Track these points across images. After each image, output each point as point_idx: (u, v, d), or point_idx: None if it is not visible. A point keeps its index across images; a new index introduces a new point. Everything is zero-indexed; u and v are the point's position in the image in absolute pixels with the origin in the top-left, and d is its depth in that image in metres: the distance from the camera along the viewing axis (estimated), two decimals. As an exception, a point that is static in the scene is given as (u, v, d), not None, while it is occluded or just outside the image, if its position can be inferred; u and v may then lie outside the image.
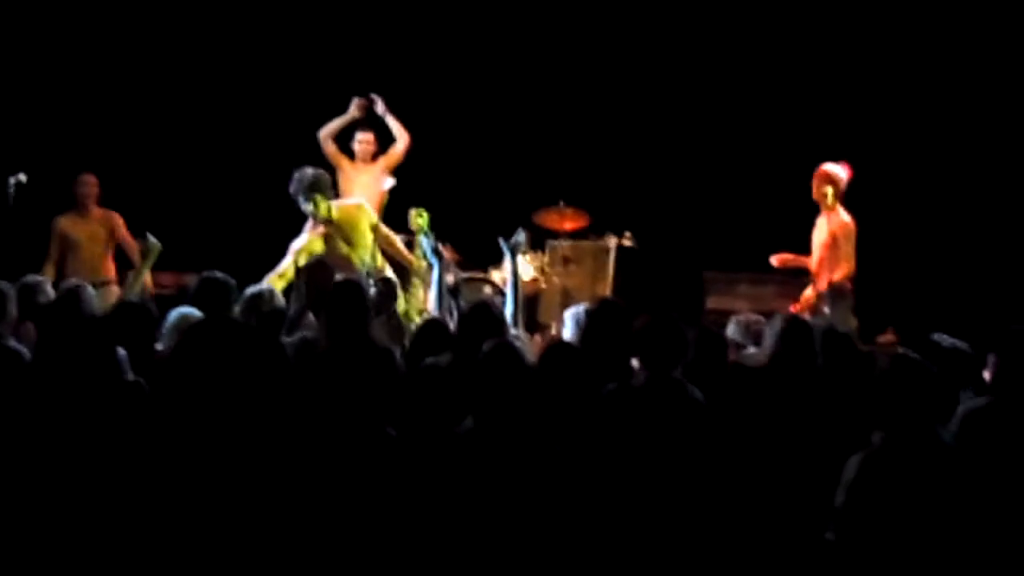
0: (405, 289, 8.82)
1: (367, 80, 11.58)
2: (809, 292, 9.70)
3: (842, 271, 9.51)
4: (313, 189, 8.92)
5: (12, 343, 5.85)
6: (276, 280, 8.49)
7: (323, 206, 8.93)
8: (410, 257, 9.23)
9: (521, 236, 8.23)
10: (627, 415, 5.36)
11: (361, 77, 11.77)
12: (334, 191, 9.32)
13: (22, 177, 9.55)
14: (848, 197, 9.81)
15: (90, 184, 10.26)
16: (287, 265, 8.75)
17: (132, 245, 9.74)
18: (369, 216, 9.18)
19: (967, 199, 11.71)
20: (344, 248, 8.99)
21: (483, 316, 6.07)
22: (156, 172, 12.19)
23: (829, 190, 9.69)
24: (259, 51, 12.41)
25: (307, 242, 8.97)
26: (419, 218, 8.80)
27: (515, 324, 7.39)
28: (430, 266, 8.45)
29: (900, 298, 11.05)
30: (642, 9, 12.31)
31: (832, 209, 9.71)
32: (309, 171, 9.03)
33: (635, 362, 5.75)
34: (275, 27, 12.43)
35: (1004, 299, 10.64)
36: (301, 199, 8.94)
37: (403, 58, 12.30)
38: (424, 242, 8.58)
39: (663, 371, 5.49)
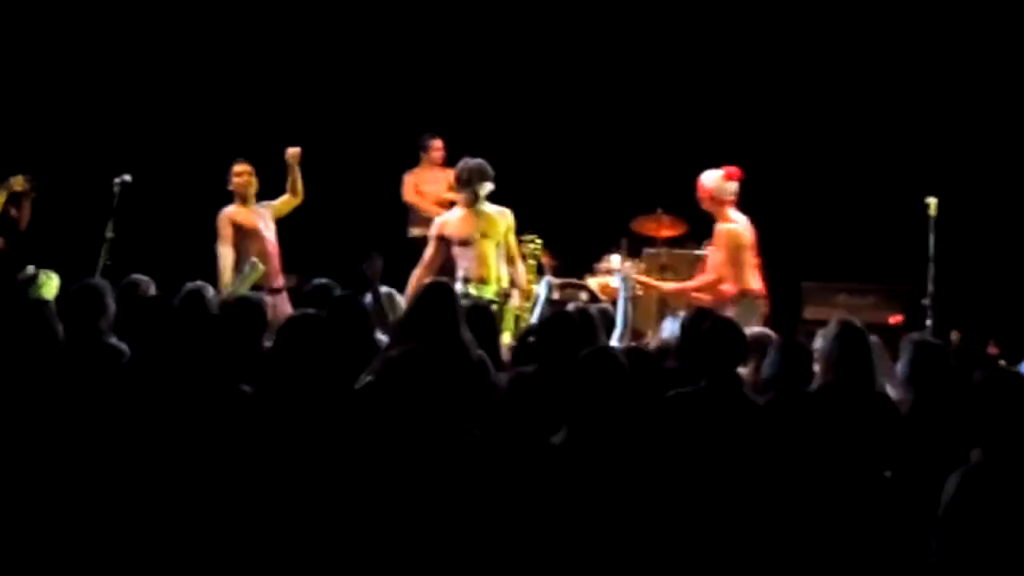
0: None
1: (465, 91, 11.66)
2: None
3: (722, 279, 8.93)
4: (483, 178, 9.01)
5: (113, 340, 5.94)
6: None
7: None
8: (523, 282, 9.26)
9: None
10: (686, 420, 5.35)
11: (458, 86, 11.86)
12: None
13: (127, 177, 9.65)
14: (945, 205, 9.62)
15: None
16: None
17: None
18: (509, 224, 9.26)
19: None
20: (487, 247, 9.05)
21: (565, 324, 6.04)
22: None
23: (705, 200, 9.23)
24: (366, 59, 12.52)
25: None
26: (532, 245, 8.86)
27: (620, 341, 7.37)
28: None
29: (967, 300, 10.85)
30: (746, 17, 12.26)
31: (718, 219, 9.19)
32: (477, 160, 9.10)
33: (742, 370, 5.74)
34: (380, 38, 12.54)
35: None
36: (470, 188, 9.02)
37: (503, 67, 12.35)
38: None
39: (723, 375, 5.49)
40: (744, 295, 8.85)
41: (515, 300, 9.03)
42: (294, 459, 4.87)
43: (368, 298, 7.06)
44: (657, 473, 4.93)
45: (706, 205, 9.23)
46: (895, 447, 5.47)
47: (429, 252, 9.13)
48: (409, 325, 5.90)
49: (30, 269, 8.69)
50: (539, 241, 9.01)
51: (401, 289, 7.41)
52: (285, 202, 9.72)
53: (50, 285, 8.51)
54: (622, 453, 4.88)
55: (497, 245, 9.07)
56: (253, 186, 9.50)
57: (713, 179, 9.17)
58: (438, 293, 6.01)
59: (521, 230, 9.76)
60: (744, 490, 5.22)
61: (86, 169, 11.19)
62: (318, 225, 12.20)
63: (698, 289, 9.05)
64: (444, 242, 9.09)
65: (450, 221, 9.15)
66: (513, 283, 9.12)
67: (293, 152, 9.72)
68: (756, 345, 6.05)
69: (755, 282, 9.02)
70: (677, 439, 5.25)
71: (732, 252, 8.97)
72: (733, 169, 9.22)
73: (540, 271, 10.80)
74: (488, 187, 9.02)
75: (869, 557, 5.14)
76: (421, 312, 5.91)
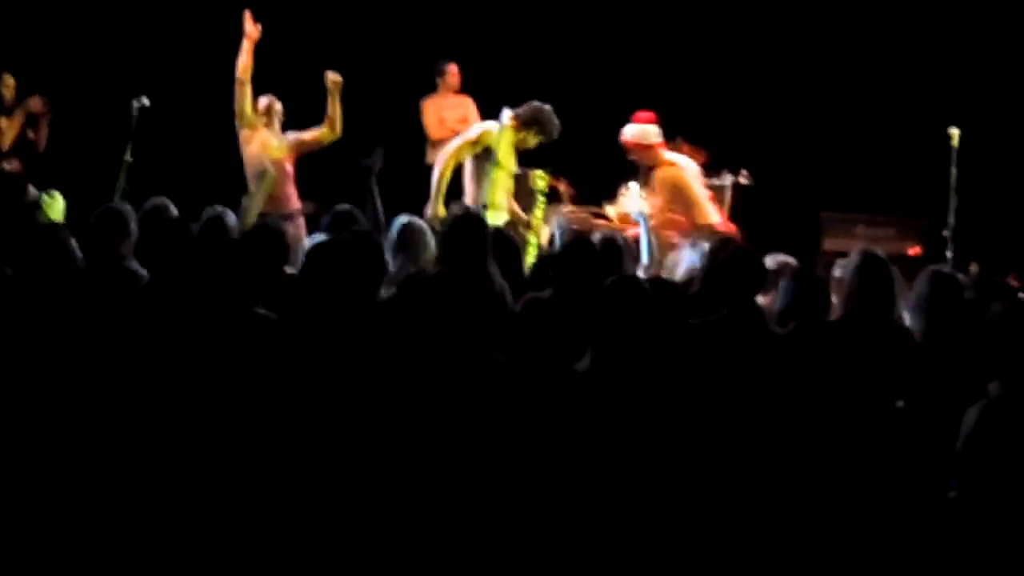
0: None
1: (483, 16, 11.59)
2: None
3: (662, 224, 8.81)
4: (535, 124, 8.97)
5: (132, 264, 5.94)
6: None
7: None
8: (523, 215, 9.23)
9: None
10: (707, 348, 5.33)
11: (476, 9, 11.79)
12: None
13: (145, 101, 9.60)
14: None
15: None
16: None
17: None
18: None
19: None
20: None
21: (584, 250, 6.03)
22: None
23: (634, 152, 9.24)
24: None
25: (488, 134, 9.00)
26: (540, 180, 8.86)
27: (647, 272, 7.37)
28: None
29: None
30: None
31: (655, 165, 9.20)
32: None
33: (761, 299, 5.73)
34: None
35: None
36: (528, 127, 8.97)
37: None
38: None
39: (742, 304, 5.48)
40: (702, 230, 8.71)
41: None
42: (321, 383, 4.87)
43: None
44: (679, 400, 4.93)
45: (637, 156, 9.24)
46: (910, 378, 5.45)
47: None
48: (440, 252, 6.06)
49: (32, 192, 8.69)
50: (546, 175, 8.99)
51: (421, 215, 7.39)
52: (317, 137, 9.55)
53: (55, 207, 8.52)
54: (647, 380, 4.88)
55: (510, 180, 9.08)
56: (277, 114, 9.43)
57: (631, 130, 9.21)
58: (470, 224, 6.16)
59: (538, 159, 9.73)
60: (761, 419, 5.21)
61: (104, 91, 11.15)
62: (335, 151, 12.18)
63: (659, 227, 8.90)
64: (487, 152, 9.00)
65: (492, 136, 9.05)
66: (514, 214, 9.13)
67: (334, 78, 9.47)
68: (779, 274, 6.03)
69: (712, 216, 8.97)
70: (698, 367, 5.25)
71: (672, 194, 8.92)
72: (643, 113, 9.26)
73: (556, 199, 10.78)
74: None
75: (885, 489, 5.13)
76: (452, 241, 6.03)
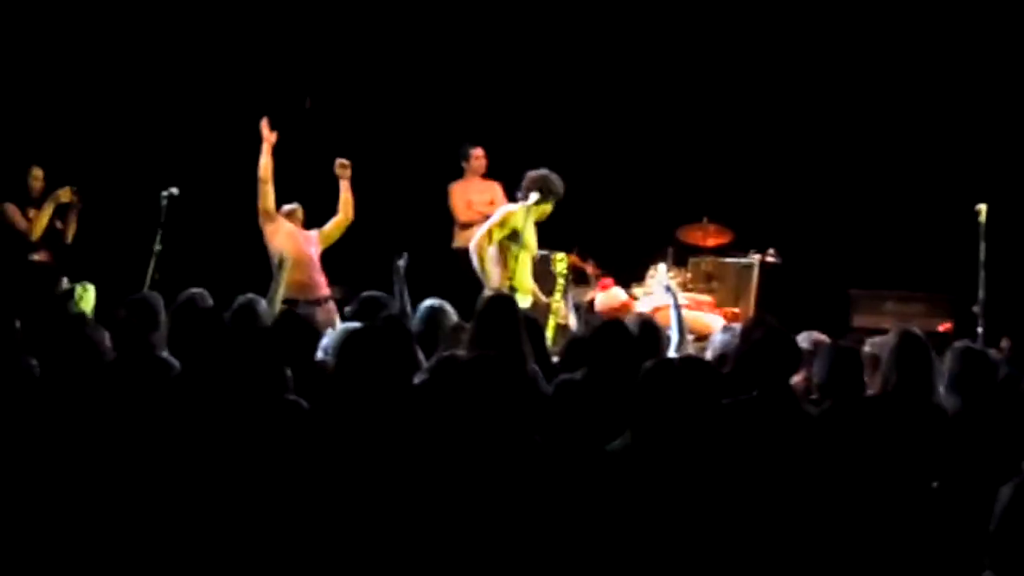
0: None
1: (510, 100, 11.66)
2: None
3: None
4: (548, 191, 9.04)
5: (164, 354, 5.95)
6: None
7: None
8: (543, 298, 9.26)
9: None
10: (739, 429, 5.31)
11: (503, 95, 11.86)
12: None
13: (174, 190, 9.66)
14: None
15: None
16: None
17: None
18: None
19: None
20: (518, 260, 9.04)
21: (618, 333, 6.04)
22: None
23: None
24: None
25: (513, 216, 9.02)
26: (560, 263, 8.93)
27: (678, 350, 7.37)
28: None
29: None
30: (795, 25, 12.21)
31: None
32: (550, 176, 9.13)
33: (796, 378, 5.71)
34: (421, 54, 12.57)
35: None
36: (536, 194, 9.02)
37: (549, 77, 12.34)
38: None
39: (776, 384, 5.45)
40: None
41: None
42: (358, 470, 4.85)
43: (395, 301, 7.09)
44: (716, 480, 4.91)
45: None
46: (946, 458, 5.41)
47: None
48: (474, 334, 6.07)
49: (65, 283, 8.75)
50: (566, 257, 9.10)
51: (450, 300, 7.40)
52: (336, 225, 9.83)
53: (87, 298, 8.56)
54: (685, 461, 4.86)
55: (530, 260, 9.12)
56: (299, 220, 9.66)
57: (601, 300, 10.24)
58: (502, 305, 6.23)
59: (565, 242, 9.76)
60: (796, 499, 5.18)
61: (134, 182, 11.24)
62: (362, 236, 12.23)
63: None
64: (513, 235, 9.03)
65: (517, 217, 9.09)
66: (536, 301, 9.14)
67: (342, 163, 9.78)
68: (813, 352, 6.02)
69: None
70: (732, 448, 5.22)
71: None
72: (606, 280, 10.44)
73: (584, 281, 10.80)
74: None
75: (918, 569, 5.08)
76: (486, 323, 6.07)
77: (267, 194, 9.52)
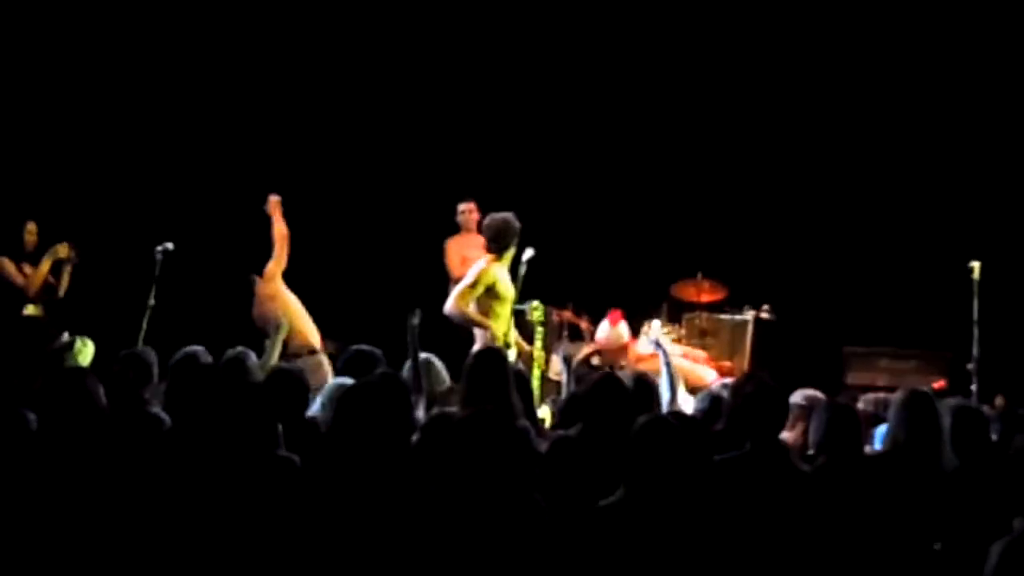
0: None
1: (503, 156, 11.70)
2: None
3: None
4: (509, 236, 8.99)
5: (155, 409, 5.94)
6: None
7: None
8: (526, 345, 9.23)
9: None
10: (731, 485, 5.30)
11: (495, 151, 11.90)
12: None
13: (169, 246, 9.68)
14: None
15: None
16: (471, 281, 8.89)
17: None
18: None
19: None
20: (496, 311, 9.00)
21: (612, 388, 6.03)
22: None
23: None
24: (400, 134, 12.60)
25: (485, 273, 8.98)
26: (536, 312, 8.91)
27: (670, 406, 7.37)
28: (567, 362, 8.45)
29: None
30: (783, 80, 12.28)
31: None
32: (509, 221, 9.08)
33: (786, 435, 5.69)
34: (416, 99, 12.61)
35: None
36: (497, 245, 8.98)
37: (542, 131, 12.39)
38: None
39: (766, 439, 5.44)
40: None
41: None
42: (351, 527, 4.83)
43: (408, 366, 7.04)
44: (706, 536, 4.89)
45: (612, 357, 10.13)
46: (945, 517, 5.39)
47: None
48: (465, 390, 6.07)
49: (65, 336, 8.74)
50: (540, 305, 9.09)
51: (441, 356, 7.38)
52: (269, 272, 9.69)
53: (85, 352, 8.55)
54: (678, 516, 4.85)
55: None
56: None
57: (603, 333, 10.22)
58: (491, 360, 6.19)
59: (560, 296, 9.76)
60: (787, 555, 5.15)
61: (128, 237, 11.24)
62: (356, 291, 12.24)
63: None
64: (488, 290, 9.00)
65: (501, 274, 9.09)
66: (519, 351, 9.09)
67: (274, 199, 9.84)
68: (810, 409, 6.01)
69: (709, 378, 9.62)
70: (723, 504, 5.21)
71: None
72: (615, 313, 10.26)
73: (578, 336, 10.80)
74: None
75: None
76: (476, 378, 6.06)
77: (283, 257, 9.59)
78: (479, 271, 8.95)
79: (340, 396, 5.28)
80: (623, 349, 9.83)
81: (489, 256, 8.97)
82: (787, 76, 12.27)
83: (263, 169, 12.43)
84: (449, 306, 8.91)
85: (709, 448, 5.50)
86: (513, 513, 4.77)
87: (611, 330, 10.07)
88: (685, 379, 8.75)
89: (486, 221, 9.11)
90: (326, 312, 9.85)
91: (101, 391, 5.72)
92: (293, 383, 6.05)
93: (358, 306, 11.84)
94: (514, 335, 9.15)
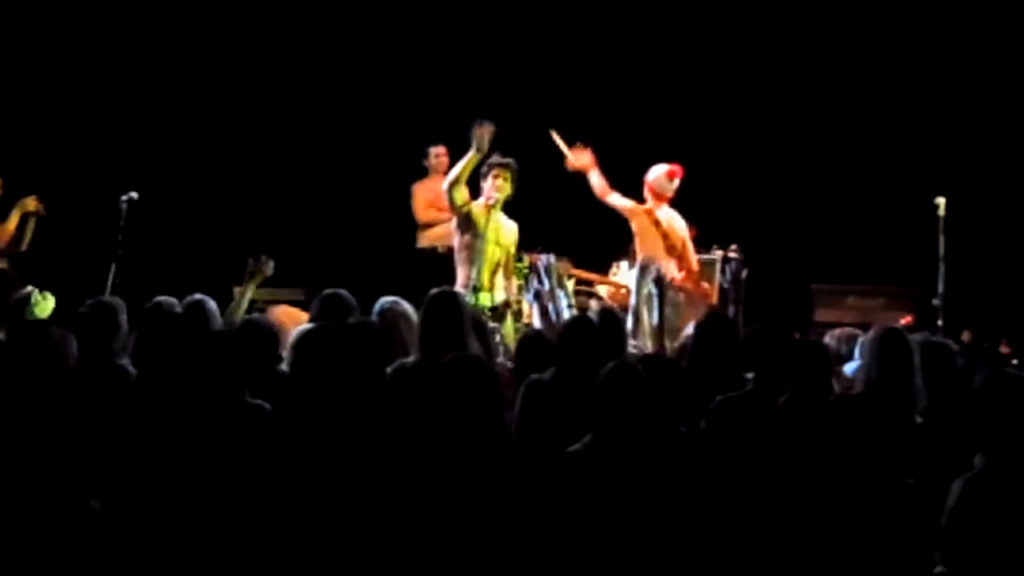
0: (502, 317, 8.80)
1: (473, 96, 11.64)
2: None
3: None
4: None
5: (122, 360, 5.91)
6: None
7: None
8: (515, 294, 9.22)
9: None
10: (741, 425, 5.31)
11: (464, 90, 11.86)
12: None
13: (133, 195, 9.62)
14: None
15: None
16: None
17: None
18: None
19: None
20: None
21: (584, 329, 6.04)
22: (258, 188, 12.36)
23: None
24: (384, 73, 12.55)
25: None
26: (522, 264, 8.94)
27: (634, 336, 7.40)
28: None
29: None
30: (753, 19, 12.26)
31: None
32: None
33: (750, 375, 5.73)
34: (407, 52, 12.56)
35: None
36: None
37: (512, 71, 12.35)
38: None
39: (774, 379, 5.45)
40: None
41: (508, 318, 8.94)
42: (323, 471, 4.83)
43: None
44: (673, 483, 4.93)
45: (649, 199, 9.62)
46: (917, 453, 5.41)
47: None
48: (420, 333, 5.98)
49: (27, 289, 8.68)
50: (527, 260, 9.09)
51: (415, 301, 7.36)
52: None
53: (44, 305, 8.48)
54: (644, 464, 4.88)
55: (501, 256, 9.04)
56: None
57: (656, 175, 9.61)
58: (443, 303, 6.05)
59: (529, 240, 9.72)
60: (757, 493, 5.19)
61: (92, 187, 11.19)
62: (325, 236, 12.22)
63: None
64: (467, 220, 8.97)
65: (477, 210, 9.02)
66: (507, 301, 9.04)
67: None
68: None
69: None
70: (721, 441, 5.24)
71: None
72: (676, 167, 9.59)
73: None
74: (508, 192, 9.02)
75: (872, 565, 5.07)
76: (431, 322, 5.97)
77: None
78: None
79: (300, 341, 5.27)
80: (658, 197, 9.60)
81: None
82: (755, 17, 12.25)
83: (228, 114, 12.40)
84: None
85: (677, 391, 5.52)
86: (489, 456, 4.79)
87: (663, 177, 9.63)
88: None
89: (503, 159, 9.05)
90: (298, 258, 9.85)
91: (72, 344, 5.69)
92: (262, 335, 6.02)
93: (326, 251, 11.85)
94: (498, 281, 9.10)
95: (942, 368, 5.80)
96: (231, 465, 4.97)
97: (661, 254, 9.39)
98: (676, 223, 9.68)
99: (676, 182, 9.63)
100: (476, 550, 4.66)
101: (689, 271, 9.59)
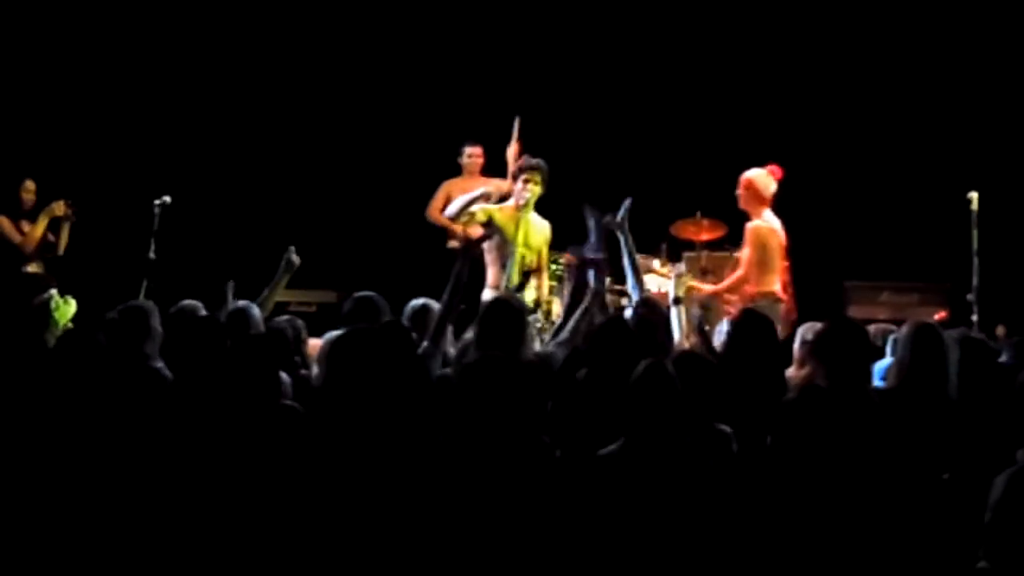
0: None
1: (503, 98, 11.64)
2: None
3: (747, 278, 8.98)
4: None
5: (157, 363, 5.93)
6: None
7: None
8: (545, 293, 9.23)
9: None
10: (819, 422, 5.27)
11: (496, 93, 11.85)
12: None
13: (167, 199, 9.67)
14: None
15: None
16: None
17: None
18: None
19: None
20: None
21: (618, 330, 6.03)
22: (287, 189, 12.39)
23: (740, 196, 9.26)
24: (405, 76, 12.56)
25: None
26: (556, 264, 8.92)
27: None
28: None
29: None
30: (786, 16, 12.23)
31: (752, 216, 9.22)
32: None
33: (790, 372, 5.69)
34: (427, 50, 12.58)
35: None
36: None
37: (541, 73, 12.34)
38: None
39: (848, 376, 5.40)
40: (763, 297, 8.78)
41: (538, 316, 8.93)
42: (357, 472, 4.84)
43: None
44: (703, 482, 4.91)
45: (744, 201, 9.28)
46: (953, 447, 5.38)
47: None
48: (479, 336, 6.02)
49: (49, 292, 8.71)
50: (563, 261, 9.07)
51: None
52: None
53: (65, 310, 8.51)
54: (674, 467, 4.88)
55: (532, 258, 9.03)
56: None
57: (757, 174, 9.23)
58: (505, 308, 6.15)
59: (559, 240, 9.70)
60: (791, 485, 5.16)
61: (126, 192, 11.24)
62: (356, 239, 12.24)
63: (728, 289, 9.01)
64: (492, 226, 8.95)
65: (503, 215, 9.02)
66: (538, 300, 9.03)
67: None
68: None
69: (775, 284, 8.96)
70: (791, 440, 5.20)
71: (758, 251, 8.90)
72: (776, 168, 9.27)
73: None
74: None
75: (917, 560, 5.05)
76: (490, 325, 6.03)
77: None
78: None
79: (333, 345, 5.28)
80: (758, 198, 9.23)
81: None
82: (786, 9, 12.22)
83: (261, 119, 12.43)
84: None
85: (711, 390, 5.49)
86: (522, 456, 4.79)
87: (766, 175, 9.32)
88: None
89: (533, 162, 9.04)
90: (330, 260, 9.86)
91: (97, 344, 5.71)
92: (281, 339, 6.05)
93: (358, 253, 11.86)
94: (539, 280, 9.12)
95: (981, 364, 5.77)
96: (269, 466, 5.00)
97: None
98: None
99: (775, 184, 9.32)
100: (508, 551, 4.68)
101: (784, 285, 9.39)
